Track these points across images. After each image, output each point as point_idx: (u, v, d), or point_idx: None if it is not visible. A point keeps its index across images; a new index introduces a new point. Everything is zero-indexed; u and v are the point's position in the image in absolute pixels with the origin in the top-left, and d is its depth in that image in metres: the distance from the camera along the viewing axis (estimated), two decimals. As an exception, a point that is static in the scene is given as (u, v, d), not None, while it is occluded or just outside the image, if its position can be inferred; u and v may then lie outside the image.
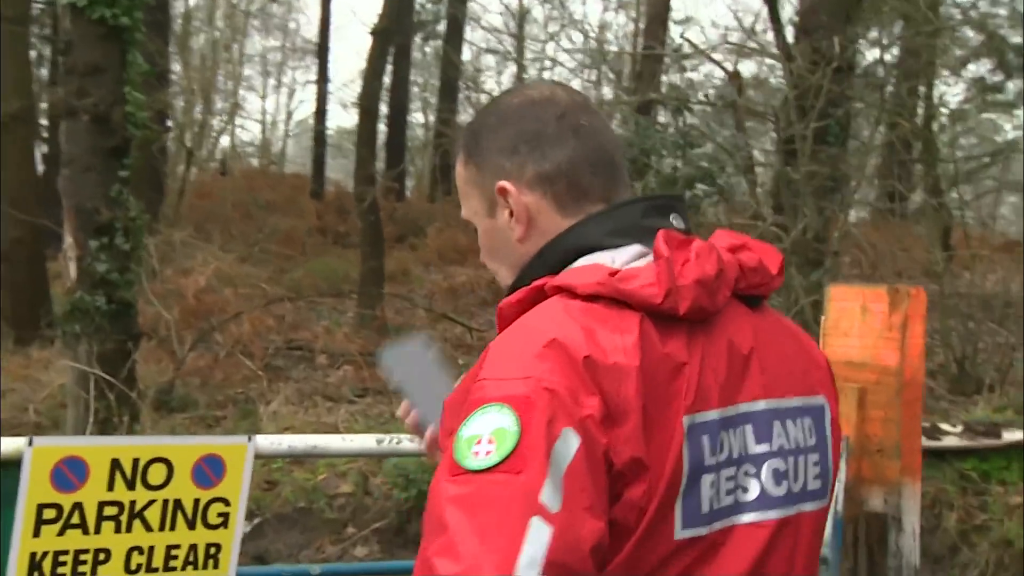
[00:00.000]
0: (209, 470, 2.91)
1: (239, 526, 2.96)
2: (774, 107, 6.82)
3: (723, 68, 9.66)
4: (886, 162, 11.41)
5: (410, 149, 24.68)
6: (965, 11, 12.36)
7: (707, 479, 1.15)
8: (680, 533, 1.12)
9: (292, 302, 11.75)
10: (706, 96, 9.12)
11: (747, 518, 1.18)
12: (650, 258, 1.22)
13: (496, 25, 26.00)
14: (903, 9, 9.29)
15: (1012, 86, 14.82)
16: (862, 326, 3.40)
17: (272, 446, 2.97)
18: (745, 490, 1.19)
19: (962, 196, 10.59)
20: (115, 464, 2.78)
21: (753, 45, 9.32)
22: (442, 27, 24.87)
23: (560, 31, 24.02)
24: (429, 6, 24.98)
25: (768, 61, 10.99)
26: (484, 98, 26.44)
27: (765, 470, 1.21)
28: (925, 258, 9.88)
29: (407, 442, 3.10)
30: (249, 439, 2.93)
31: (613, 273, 1.17)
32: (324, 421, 7.62)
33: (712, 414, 1.16)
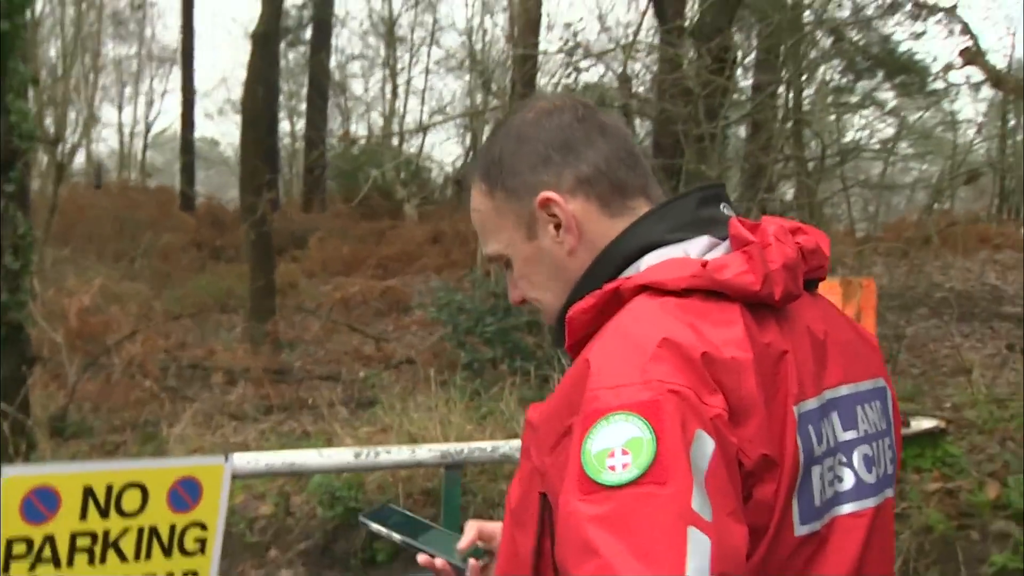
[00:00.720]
0: (186, 493, 2.77)
1: (216, 552, 2.83)
2: (679, 108, 6.95)
3: (613, 70, 9.79)
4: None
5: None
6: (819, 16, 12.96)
7: (816, 471, 1.11)
8: (799, 530, 1.08)
9: (178, 320, 11.39)
10: (604, 98, 9.23)
11: (846, 508, 1.15)
12: (724, 248, 1.19)
13: (364, 30, 25.66)
14: (772, 15, 9.67)
15: (860, 87, 15.67)
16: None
17: (249, 465, 2.85)
18: (841, 480, 1.15)
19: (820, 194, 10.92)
20: (88, 492, 2.63)
21: (650, 45, 9.47)
22: (308, 33, 24.53)
23: (430, 37, 24.12)
24: (294, 12, 24.57)
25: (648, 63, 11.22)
26: (352, 103, 26.32)
27: (856, 457, 1.18)
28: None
29: (385, 454, 3.05)
30: (226, 459, 2.81)
31: (704, 264, 1.12)
32: (234, 441, 7.39)
33: (812, 402, 1.12)
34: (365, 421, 7.65)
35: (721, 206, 1.25)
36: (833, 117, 11.81)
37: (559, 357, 8.25)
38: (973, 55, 9.02)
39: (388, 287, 14.15)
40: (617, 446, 0.97)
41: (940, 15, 16.29)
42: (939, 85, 15.30)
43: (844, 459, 1.17)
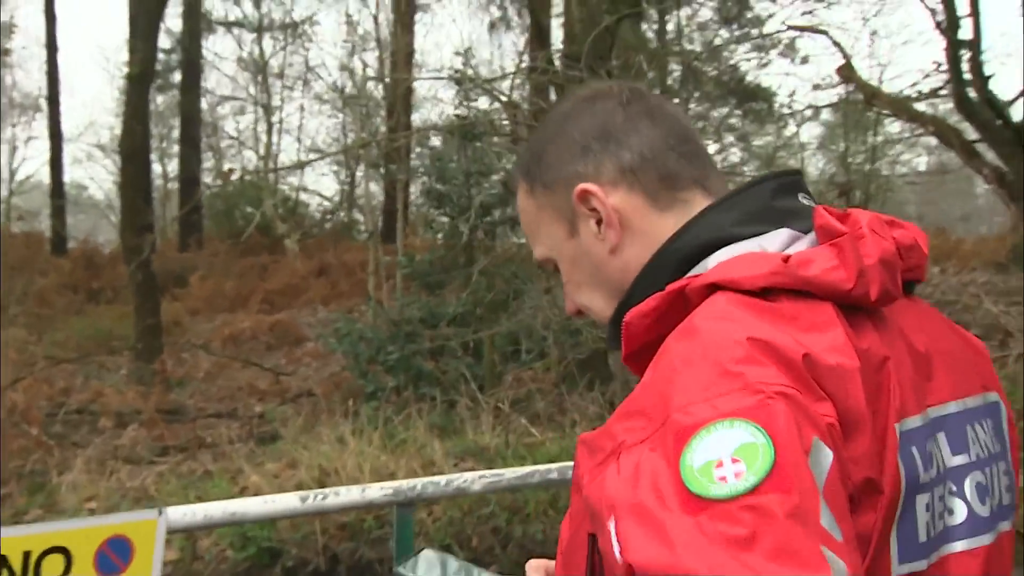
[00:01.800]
0: (115, 555, 2.39)
1: (151, 615, 2.46)
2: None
3: (498, 99, 9.64)
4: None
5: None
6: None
7: (922, 500, 0.90)
8: (897, 569, 0.88)
9: (60, 365, 10.64)
10: (493, 123, 9.07)
11: (959, 546, 0.94)
12: (808, 241, 0.99)
13: (233, 72, 24.98)
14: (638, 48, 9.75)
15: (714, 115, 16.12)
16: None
17: (185, 518, 2.49)
18: (951, 512, 0.95)
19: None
20: (1, 561, 2.23)
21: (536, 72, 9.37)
22: (177, 76, 23.82)
23: (304, 76, 23.65)
24: (161, 55, 23.74)
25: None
26: (225, 144, 25.62)
27: (968, 486, 0.96)
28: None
29: (333, 496, 2.73)
30: (160, 512, 2.44)
31: (786, 259, 0.92)
32: (130, 486, 6.83)
33: (916, 420, 0.92)
34: (269, 457, 7.20)
35: (800, 196, 1.05)
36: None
37: (465, 381, 8.01)
38: (849, 73, 9.29)
39: (277, 321, 13.64)
40: (726, 455, 0.77)
41: (781, 46, 17.06)
42: (785, 110, 15.91)
43: (954, 488, 0.95)
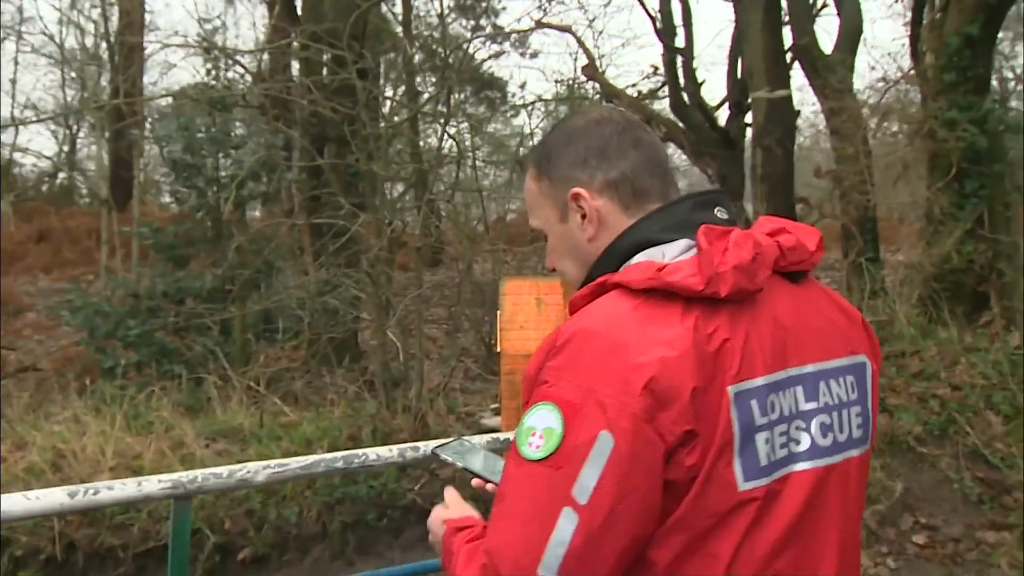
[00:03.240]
0: None
1: None
2: (347, 109, 6.64)
3: (246, 68, 9.22)
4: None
5: None
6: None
7: (761, 436, 1.25)
8: (743, 486, 1.23)
9: None
10: (244, 96, 8.63)
11: (801, 466, 1.29)
12: (692, 249, 1.34)
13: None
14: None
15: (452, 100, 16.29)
16: (538, 318, 3.42)
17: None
18: (797, 443, 1.30)
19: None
20: None
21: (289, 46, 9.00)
22: None
23: (16, 27, 21.49)
24: None
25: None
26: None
27: (815, 424, 1.32)
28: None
29: (106, 491, 2.49)
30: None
31: (661, 268, 1.27)
32: None
33: (758, 381, 1.26)
34: (-12, 438, 6.48)
35: (716, 210, 1.41)
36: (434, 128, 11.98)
37: (214, 358, 7.62)
38: (592, 72, 9.66)
39: (-8, 288, 12.31)
40: (538, 428, 1.22)
41: (514, 38, 17.59)
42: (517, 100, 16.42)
43: (803, 425, 1.31)
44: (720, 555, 1.24)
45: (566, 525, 1.17)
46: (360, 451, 2.89)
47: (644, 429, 1.18)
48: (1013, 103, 20.00)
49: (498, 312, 3.49)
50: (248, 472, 2.69)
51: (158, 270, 9.06)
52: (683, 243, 1.36)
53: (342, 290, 7.15)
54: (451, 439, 1.74)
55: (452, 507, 1.56)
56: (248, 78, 9.91)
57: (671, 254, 1.35)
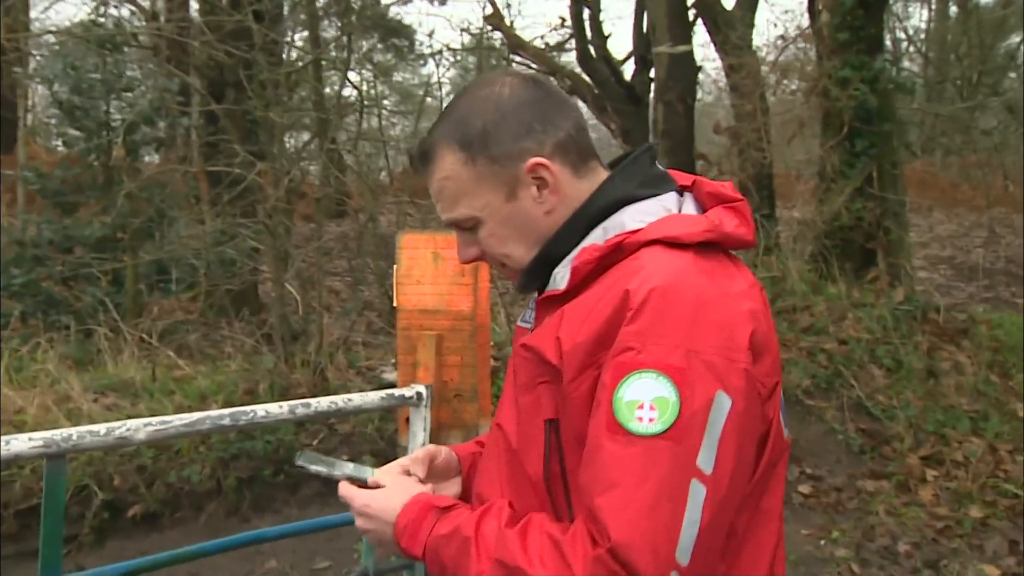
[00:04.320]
0: None
1: None
2: (242, 53, 6.36)
3: (139, 5, 8.78)
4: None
5: None
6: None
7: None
8: (787, 434, 1.27)
9: None
10: (135, 36, 8.22)
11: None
12: (691, 201, 1.33)
13: None
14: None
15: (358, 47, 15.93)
16: (435, 273, 3.35)
17: None
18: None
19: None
20: None
21: None
22: None
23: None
24: None
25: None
26: None
27: None
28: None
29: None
30: None
31: (716, 221, 1.26)
32: None
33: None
34: None
35: (656, 163, 1.39)
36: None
37: (104, 309, 7.33)
38: (497, 21, 9.49)
39: None
40: (646, 400, 1.10)
41: None
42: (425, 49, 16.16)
43: None
44: (772, 510, 1.23)
45: (695, 500, 1.08)
46: (248, 408, 2.79)
47: (753, 385, 1.15)
48: (906, 63, 20.63)
49: (395, 266, 3.40)
50: (128, 430, 2.57)
51: (45, 217, 8.64)
52: (674, 196, 1.33)
53: (239, 240, 6.93)
54: (302, 452, 1.55)
55: (395, 487, 1.38)
56: (141, 17, 9.44)
57: (673, 207, 1.31)
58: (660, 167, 1.38)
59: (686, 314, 1.13)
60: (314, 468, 1.47)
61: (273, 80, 6.48)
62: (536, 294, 1.38)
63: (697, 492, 1.08)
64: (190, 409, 5.46)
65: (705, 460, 1.09)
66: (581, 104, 11.55)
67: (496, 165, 1.31)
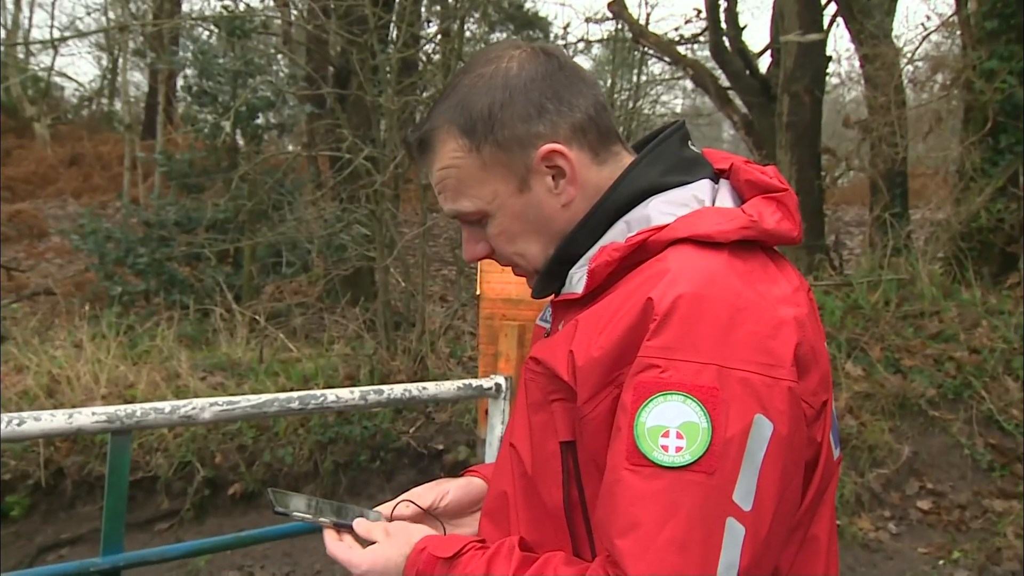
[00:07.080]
0: None
1: None
2: (356, 37, 6.37)
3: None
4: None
5: None
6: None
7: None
8: (836, 454, 1.11)
9: None
10: (264, 23, 8.37)
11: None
12: (727, 189, 1.14)
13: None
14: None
15: (494, 39, 15.91)
16: (520, 260, 3.20)
17: None
18: None
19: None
20: None
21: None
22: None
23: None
24: None
25: None
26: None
27: None
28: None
29: (33, 422, 2.33)
30: None
31: (753, 217, 1.06)
32: None
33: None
34: (-7, 360, 6.43)
35: (689, 143, 1.19)
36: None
37: (221, 290, 7.49)
38: (620, 8, 9.26)
39: (18, 211, 12.29)
40: (672, 427, 0.94)
41: None
42: (560, 41, 15.98)
43: None
44: (820, 538, 1.07)
45: (733, 541, 0.92)
46: (319, 392, 2.74)
47: (798, 405, 0.97)
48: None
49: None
50: (193, 408, 2.53)
51: (170, 198, 8.92)
52: (708, 184, 1.13)
53: (350, 226, 6.95)
54: (273, 491, 1.35)
55: (390, 540, 1.20)
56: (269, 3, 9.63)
57: (706, 196, 1.11)
58: (693, 148, 1.18)
59: (718, 325, 0.95)
60: (298, 515, 1.28)
61: (382, 65, 6.45)
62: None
63: (735, 531, 0.91)
64: (293, 390, 5.50)
65: (743, 495, 0.92)
66: (702, 95, 11.18)
67: (504, 153, 1.13)
